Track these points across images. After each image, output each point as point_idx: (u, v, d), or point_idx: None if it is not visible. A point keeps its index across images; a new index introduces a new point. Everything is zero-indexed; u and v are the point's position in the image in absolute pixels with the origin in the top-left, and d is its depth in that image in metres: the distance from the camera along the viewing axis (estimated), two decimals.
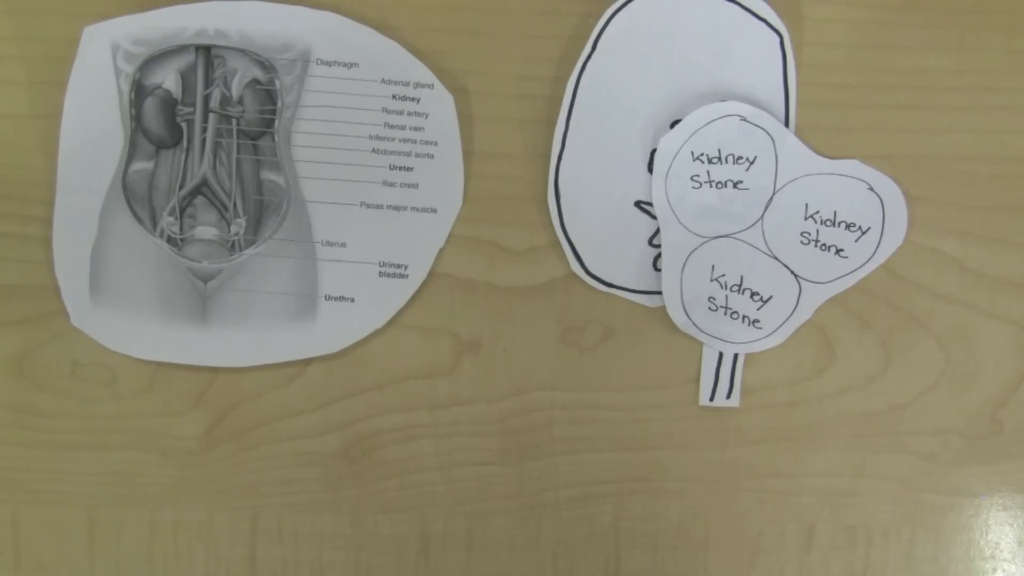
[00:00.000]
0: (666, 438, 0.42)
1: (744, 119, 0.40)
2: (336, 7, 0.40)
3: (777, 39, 0.40)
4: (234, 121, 0.40)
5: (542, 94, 0.41)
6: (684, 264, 0.41)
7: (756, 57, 0.40)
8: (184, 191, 0.40)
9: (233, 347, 0.41)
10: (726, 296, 0.41)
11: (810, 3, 0.41)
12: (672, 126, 0.40)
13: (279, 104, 0.40)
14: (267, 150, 0.40)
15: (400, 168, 0.41)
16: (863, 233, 0.40)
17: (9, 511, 0.42)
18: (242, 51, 0.40)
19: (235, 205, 0.41)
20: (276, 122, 0.40)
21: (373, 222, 0.41)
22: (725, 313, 0.41)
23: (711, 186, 0.40)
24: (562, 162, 0.41)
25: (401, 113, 0.40)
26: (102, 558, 0.42)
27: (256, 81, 0.40)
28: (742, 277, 0.41)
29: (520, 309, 0.41)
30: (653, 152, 0.41)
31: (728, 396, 0.42)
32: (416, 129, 0.41)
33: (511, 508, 0.42)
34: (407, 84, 0.40)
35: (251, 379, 0.42)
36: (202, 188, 0.40)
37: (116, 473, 0.42)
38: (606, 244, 0.41)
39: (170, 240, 0.40)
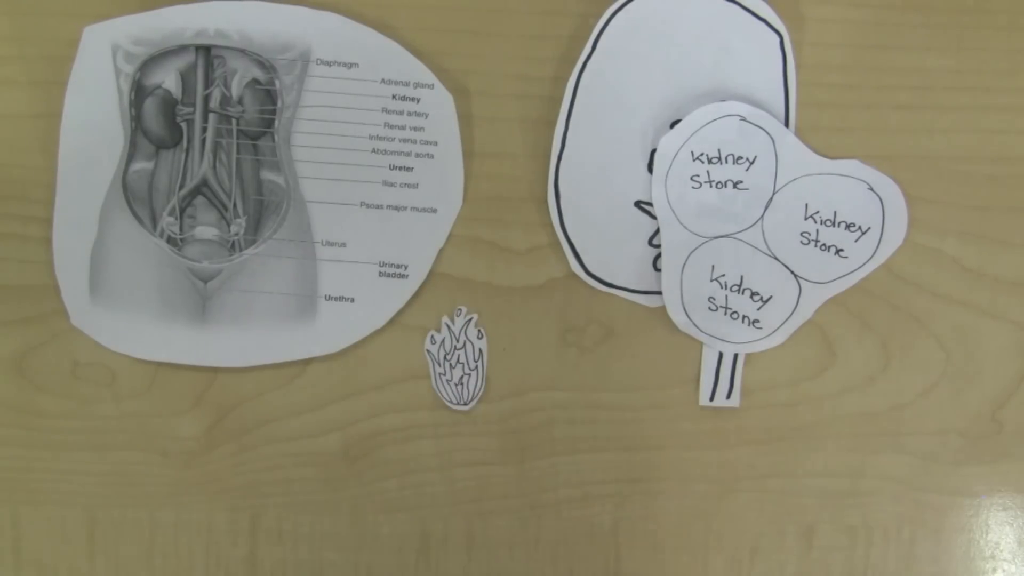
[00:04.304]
0: (666, 438, 0.42)
1: (744, 119, 0.40)
2: (336, 7, 0.40)
3: (777, 39, 0.40)
4: (234, 121, 0.40)
5: (542, 94, 0.41)
6: (684, 264, 0.41)
7: (756, 57, 0.40)
8: (184, 191, 0.40)
9: (233, 347, 0.41)
10: (726, 296, 0.41)
11: (810, 3, 0.41)
12: (672, 126, 0.40)
13: (279, 104, 0.40)
14: (267, 150, 0.40)
15: (400, 168, 0.41)
16: (863, 233, 0.40)
17: (9, 511, 0.42)
18: (242, 51, 0.40)
19: (235, 205, 0.41)
20: (276, 122, 0.40)
21: (373, 222, 0.41)
22: (725, 313, 0.41)
23: (711, 186, 0.40)
24: (562, 162, 0.41)
25: (401, 113, 0.40)
26: (102, 558, 0.42)
27: (256, 81, 0.40)
28: (742, 277, 0.41)
29: (520, 309, 0.41)
30: (653, 152, 0.41)
31: (728, 396, 0.42)
32: (416, 129, 0.41)
33: (511, 508, 0.42)
34: (407, 84, 0.40)
35: (251, 379, 0.42)
36: (202, 188, 0.40)
37: (116, 473, 0.42)
38: (606, 244, 0.41)
39: (170, 240, 0.41)
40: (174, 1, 0.40)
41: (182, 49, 0.40)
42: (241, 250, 0.41)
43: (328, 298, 0.41)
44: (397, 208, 0.41)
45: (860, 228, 0.40)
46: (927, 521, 0.42)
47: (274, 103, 0.40)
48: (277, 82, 0.40)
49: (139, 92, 0.40)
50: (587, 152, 0.41)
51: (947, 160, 0.41)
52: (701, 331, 0.41)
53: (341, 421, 0.42)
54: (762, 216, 0.40)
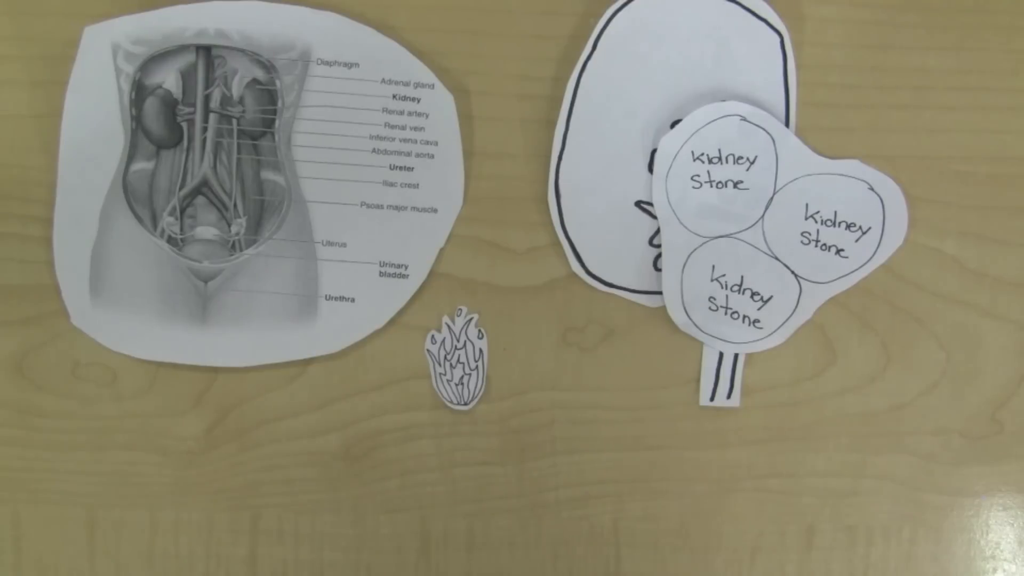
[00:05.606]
0: (666, 438, 0.42)
1: (744, 119, 0.40)
2: (336, 7, 0.40)
3: (777, 39, 0.40)
4: (234, 121, 0.40)
5: (542, 94, 0.41)
6: (684, 264, 0.41)
7: (756, 57, 0.40)
8: (184, 191, 0.40)
9: (233, 347, 0.41)
10: (726, 296, 0.41)
11: (810, 3, 0.41)
12: (672, 126, 0.40)
13: (279, 104, 0.40)
14: (267, 150, 0.40)
15: (400, 168, 0.41)
16: (863, 233, 0.40)
17: (10, 511, 0.42)
18: (242, 51, 0.40)
19: (235, 205, 0.41)
20: (276, 122, 0.40)
21: (373, 222, 0.41)
22: (725, 313, 0.41)
23: (711, 186, 0.40)
24: (562, 162, 0.41)
25: (401, 113, 0.40)
26: (102, 558, 0.42)
27: (256, 81, 0.40)
28: (742, 277, 0.41)
29: (520, 309, 0.41)
30: (653, 152, 0.41)
31: (728, 396, 0.42)
32: (416, 129, 0.41)
33: (511, 508, 0.42)
34: (407, 84, 0.40)
35: (251, 379, 0.42)
36: (202, 188, 0.40)
37: (116, 473, 0.42)
38: (606, 244, 0.41)
39: (170, 240, 0.41)
40: (174, 1, 0.40)
41: (182, 49, 0.40)
42: (241, 250, 0.41)
43: (328, 298, 0.41)
44: (397, 208, 0.41)
45: (860, 228, 0.40)
46: (927, 521, 0.42)
47: (274, 103, 0.40)
48: (278, 82, 0.40)
49: (139, 92, 0.40)
50: (587, 152, 0.41)
51: (947, 160, 0.41)
52: (701, 331, 0.41)
53: (341, 421, 0.42)
54: (762, 216, 0.40)
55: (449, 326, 0.41)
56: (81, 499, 0.42)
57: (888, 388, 0.42)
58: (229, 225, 0.41)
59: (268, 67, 0.40)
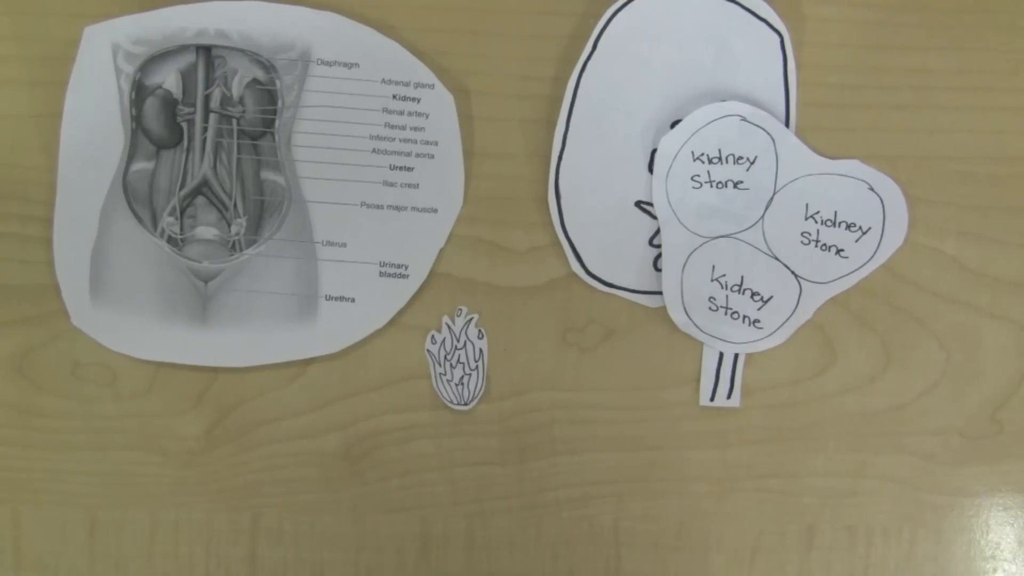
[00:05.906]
0: (666, 438, 0.42)
1: (744, 119, 0.40)
2: (336, 7, 0.40)
3: (777, 39, 0.40)
4: (234, 121, 0.40)
5: (542, 94, 0.41)
6: (684, 264, 0.41)
7: (756, 57, 0.40)
8: (185, 191, 0.40)
9: (233, 347, 0.41)
10: (726, 296, 0.41)
11: (810, 3, 0.41)
12: (672, 126, 0.40)
13: (279, 104, 0.40)
14: (267, 150, 0.40)
15: (400, 168, 0.41)
16: (863, 233, 0.40)
17: (9, 511, 0.42)
18: (242, 51, 0.40)
19: (235, 205, 0.41)
20: (276, 122, 0.40)
21: (373, 222, 0.41)
22: (725, 313, 0.41)
23: (711, 186, 0.40)
24: (562, 162, 0.41)
25: (401, 113, 0.40)
26: (102, 558, 0.42)
27: (256, 81, 0.40)
28: (742, 277, 0.41)
29: (520, 309, 0.41)
30: (653, 152, 0.41)
31: (728, 396, 0.42)
32: (416, 129, 0.41)
33: (511, 508, 0.42)
34: (407, 84, 0.40)
35: (251, 379, 0.42)
36: (202, 188, 0.40)
37: (116, 473, 0.42)
38: (606, 244, 0.41)
39: (170, 240, 0.41)
40: (174, 1, 0.40)
41: (182, 49, 0.40)
42: (241, 250, 0.41)
43: (328, 298, 0.41)
44: (397, 208, 0.41)
45: (860, 228, 0.40)
46: (927, 521, 0.42)
47: (275, 103, 0.40)
48: (278, 82, 0.40)
49: (140, 92, 0.40)
50: (587, 152, 0.41)
51: (947, 160, 0.41)
52: (701, 331, 0.41)
53: (341, 421, 0.42)
54: (762, 216, 0.40)
55: (449, 326, 0.41)
56: (81, 499, 0.42)
57: (888, 388, 0.42)
58: (229, 225, 0.41)
59: (268, 67, 0.40)
